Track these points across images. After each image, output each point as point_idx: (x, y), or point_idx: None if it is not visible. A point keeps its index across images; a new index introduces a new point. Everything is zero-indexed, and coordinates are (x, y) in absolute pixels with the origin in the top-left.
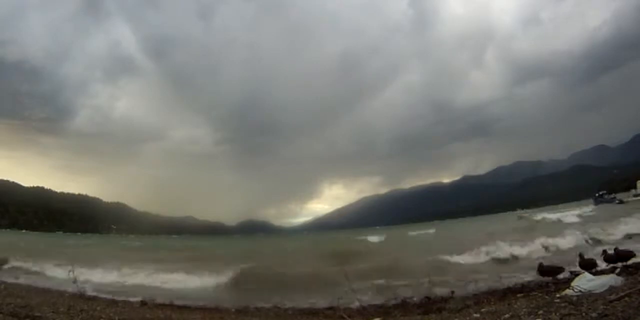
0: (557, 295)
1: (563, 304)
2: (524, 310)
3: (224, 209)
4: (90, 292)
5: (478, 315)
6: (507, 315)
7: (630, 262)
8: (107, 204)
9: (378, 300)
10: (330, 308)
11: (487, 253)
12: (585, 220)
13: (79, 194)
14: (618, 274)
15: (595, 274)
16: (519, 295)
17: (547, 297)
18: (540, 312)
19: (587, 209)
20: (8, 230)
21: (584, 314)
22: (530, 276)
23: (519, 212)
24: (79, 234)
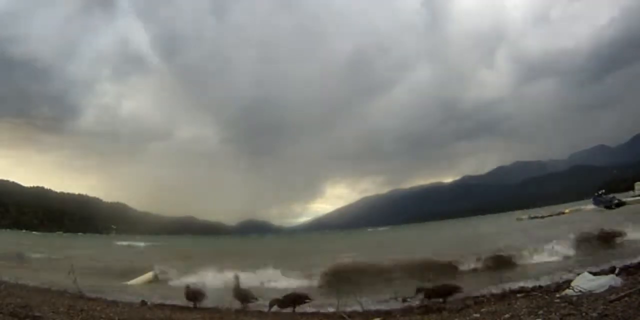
0: (557, 295)
1: (563, 304)
2: (524, 310)
3: (225, 209)
4: (90, 292)
5: (478, 315)
6: (507, 315)
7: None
8: (107, 204)
9: (378, 300)
10: (330, 308)
11: None
12: None
13: (79, 194)
14: (618, 274)
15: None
16: (519, 295)
17: (547, 297)
18: (540, 312)
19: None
20: (8, 230)
21: (584, 314)
22: None
23: (519, 213)
24: (80, 234)
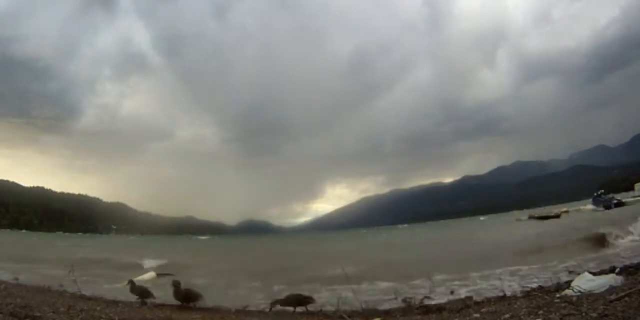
0: (557, 295)
1: (563, 304)
2: (524, 310)
3: (226, 209)
4: (90, 292)
5: (478, 315)
6: (507, 315)
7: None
8: (107, 204)
9: (378, 300)
10: (330, 308)
11: None
12: None
13: (79, 194)
14: (618, 274)
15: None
16: (519, 295)
17: (547, 297)
18: (540, 312)
19: None
20: (8, 230)
21: (584, 314)
22: None
23: (517, 213)
24: (80, 234)
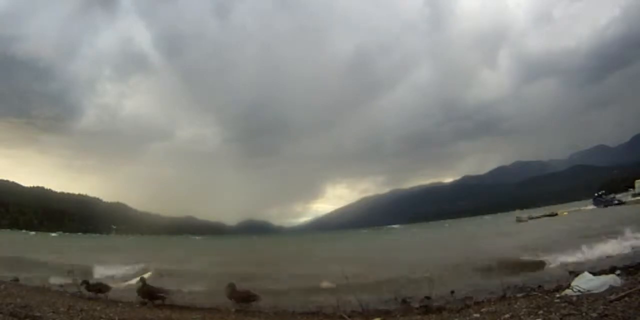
0: (557, 295)
1: (563, 304)
2: (524, 310)
3: (226, 209)
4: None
5: (478, 315)
6: (507, 315)
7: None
8: (108, 204)
9: (378, 300)
10: (330, 308)
11: None
12: None
13: (79, 194)
14: (618, 274)
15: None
16: (519, 295)
17: (547, 297)
18: (540, 312)
19: None
20: (8, 230)
21: (584, 314)
22: None
23: (518, 212)
24: (80, 234)
